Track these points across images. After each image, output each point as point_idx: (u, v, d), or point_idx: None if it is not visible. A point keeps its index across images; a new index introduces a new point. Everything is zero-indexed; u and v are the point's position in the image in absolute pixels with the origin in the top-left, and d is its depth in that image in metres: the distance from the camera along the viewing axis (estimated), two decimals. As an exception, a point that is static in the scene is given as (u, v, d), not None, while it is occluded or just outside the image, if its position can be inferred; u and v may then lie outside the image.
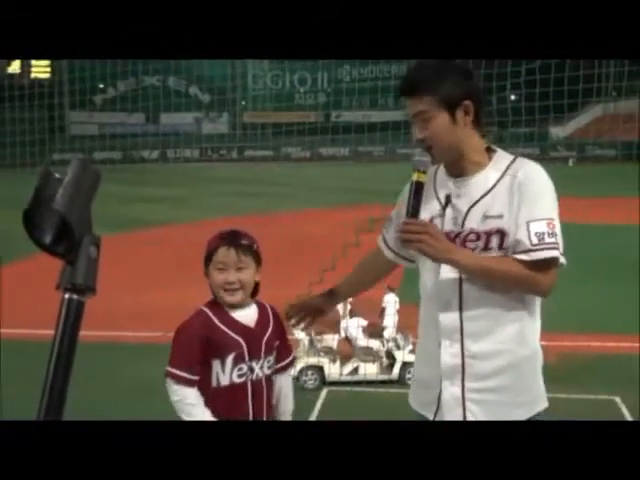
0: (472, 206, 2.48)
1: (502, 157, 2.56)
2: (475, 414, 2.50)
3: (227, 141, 49.58)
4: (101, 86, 47.23)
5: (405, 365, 8.60)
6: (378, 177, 32.95)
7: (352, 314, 8.69)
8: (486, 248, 2.45)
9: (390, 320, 8.99)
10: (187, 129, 50.22)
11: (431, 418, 2.57)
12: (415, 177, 2.44)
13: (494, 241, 2.44)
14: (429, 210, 2.56)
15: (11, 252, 10.87)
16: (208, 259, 2.81)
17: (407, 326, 8.84)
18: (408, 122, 2.53)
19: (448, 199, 2.53)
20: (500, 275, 2.43)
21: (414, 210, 2.42)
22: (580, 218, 15.87)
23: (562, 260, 2.43)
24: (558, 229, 2.42)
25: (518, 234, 2.41)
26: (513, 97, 22.75)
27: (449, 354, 2.51)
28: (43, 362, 1.16)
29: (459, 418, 2.50)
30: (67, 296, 1.16)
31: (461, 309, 2.50)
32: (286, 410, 2.98)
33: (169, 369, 2.76)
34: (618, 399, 7.00)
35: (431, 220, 2.55)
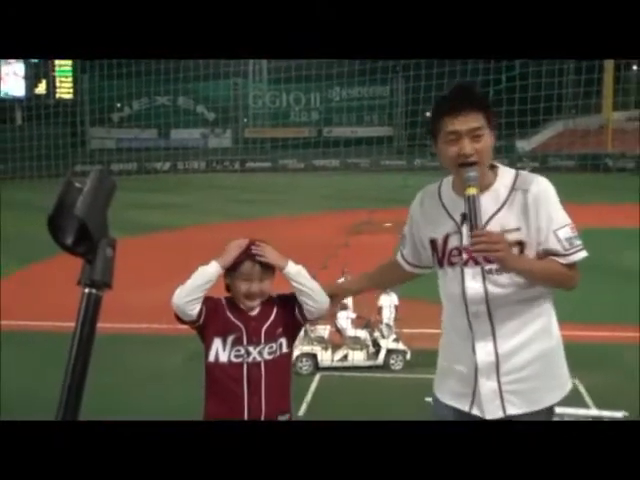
0: (487, 221, 2.41)
1: (505, 172, 2.52)
2: (513, 403, 2.48)
3: (230, 154, 49.50)
4: (118, 105, 47.07)
5: (389, 352, 8.61)
6: (364, 186, 32.97)
7: (341, 307, 8.69)
8: None
9: (386, 313, 8.97)
10: (195, 143, 50.13)
11: (466, 409, 2.54)
12: (471, 191, 2.37)
13: (514, 252, 2.40)
14: (444, 228, 2.52)
15: (37, 253, 10.85)
16: (232, 269, 2.80)
17: (404, 319, 8.90)
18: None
19: (464, 217, 2.45)
20: (549, 275, 2.44)
21: (479, 221, 2.36)
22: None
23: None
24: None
25: (548, 243, 2.41)
26: (483, 114, 22.74)
27: (484, 353, 2.48)
28: (64, 350, 1.17)
29: (498, 408, 2.48)
30: (87, 291, 1.18)
31: (490, 315, 2.46)
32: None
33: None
34: (577, 381, 7.09)
35: (447, 237, 2.51)
